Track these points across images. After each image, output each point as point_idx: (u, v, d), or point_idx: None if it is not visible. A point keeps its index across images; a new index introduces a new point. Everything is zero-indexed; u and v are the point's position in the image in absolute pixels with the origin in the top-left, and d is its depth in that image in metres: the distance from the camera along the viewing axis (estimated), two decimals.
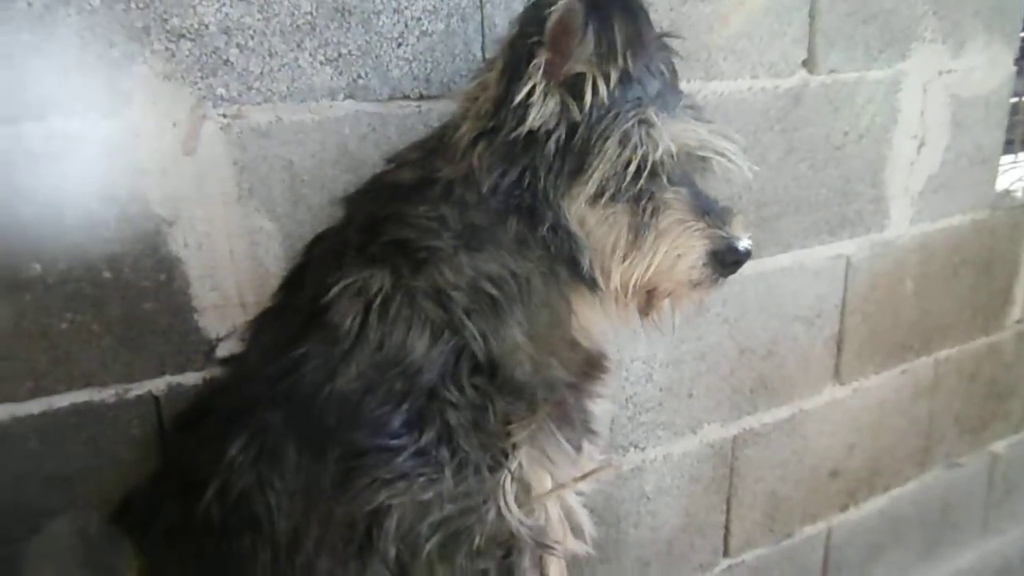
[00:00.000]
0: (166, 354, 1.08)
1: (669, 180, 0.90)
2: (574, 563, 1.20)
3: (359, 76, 1.09)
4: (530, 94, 0.85)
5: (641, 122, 0.88)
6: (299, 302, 0.95)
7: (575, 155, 0.88)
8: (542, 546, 0.99)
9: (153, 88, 0.98)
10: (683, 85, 1.36)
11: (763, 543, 1.90)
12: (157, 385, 1.09)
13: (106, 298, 1.02)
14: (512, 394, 0.93)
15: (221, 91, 1.02)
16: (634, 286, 0.92)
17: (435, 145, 0.97)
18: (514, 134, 0.87)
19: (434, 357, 0.90)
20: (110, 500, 1.05)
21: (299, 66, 1.05)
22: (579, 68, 0.87)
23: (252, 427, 0.91)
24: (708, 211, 0.91)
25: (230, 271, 1.08)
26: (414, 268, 0.91)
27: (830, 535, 2.04)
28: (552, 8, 0.83)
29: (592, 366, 1.03)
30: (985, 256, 2.07)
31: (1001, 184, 2.05)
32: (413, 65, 1.12)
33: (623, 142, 0.87)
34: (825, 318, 1.79)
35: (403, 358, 0.89)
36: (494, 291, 0.91)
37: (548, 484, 1.00)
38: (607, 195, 0.89)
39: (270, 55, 1.03)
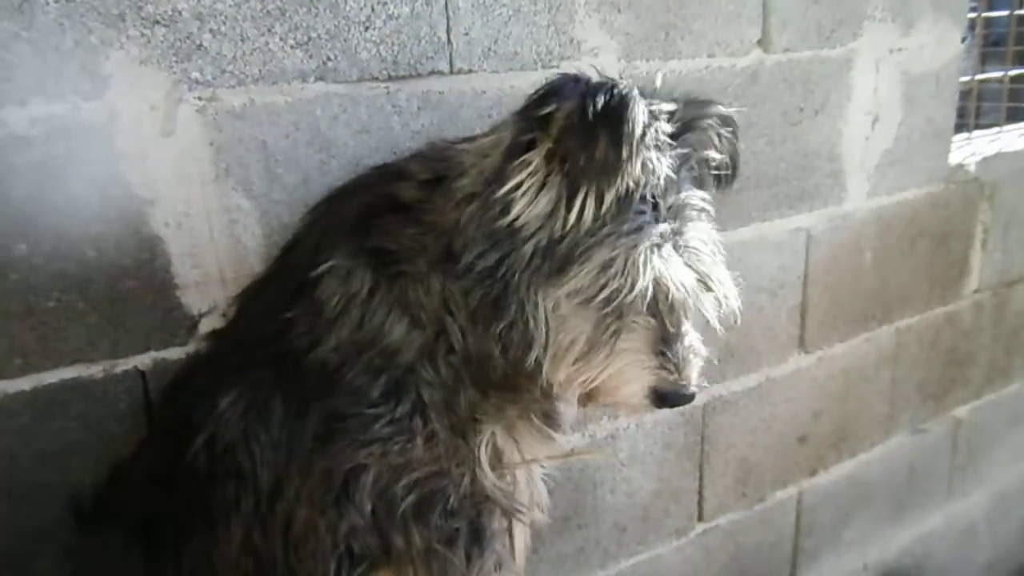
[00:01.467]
0: (151, 330, 1.12)
1: (643, 305, 0.89)
2: (536, 532, 1.27)
3: (328, 59, 1.14)
4: (518, 185, 0.84)
5: (627, 255, 0.85)
6: (291, 270, 1.01)
7: (558, 259, 0.86)
8: (512, 510, 1.04)
9: (130, 72, 1.02)
10: (641, 65, 1.45)
11: (736, 508, 1.97)
12: (143, 360, 1.13)
13: (91, 277, 1.06)
14: (481, 390, 0.98)
15: (196, 75, 1.06)
16: (575, 386, 0.95)
17: (441, 172, 0.97)
18: (498, 222, 0.86)
19: (413, 339, 0.95)
20: (101, 472, 1.09)
21: (270, 50, 1.10)
22: (578, 173, 0.84)
23: (243, 383, 0.97)
24: (668, 349, 0.90)
25: (210, 249, 1.13)
26: (391, 277, 0.96)
27: (801, 499, 2.12)
28: (558, 103, 0.80)
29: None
30: (941, 228, 2.16)
31: (954, 159, 2.13)
32: (380, 48, 1.17)
33: (604, 268, 0.85)
34: (788, 289, 1.87)
35: (380, 340, 0.94)
36: (464, 318, 0.95)
37: (517, 457, 1.05)
38: (581, 297, 0.88)
39: (242, 39, 1.08)
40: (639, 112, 0.81)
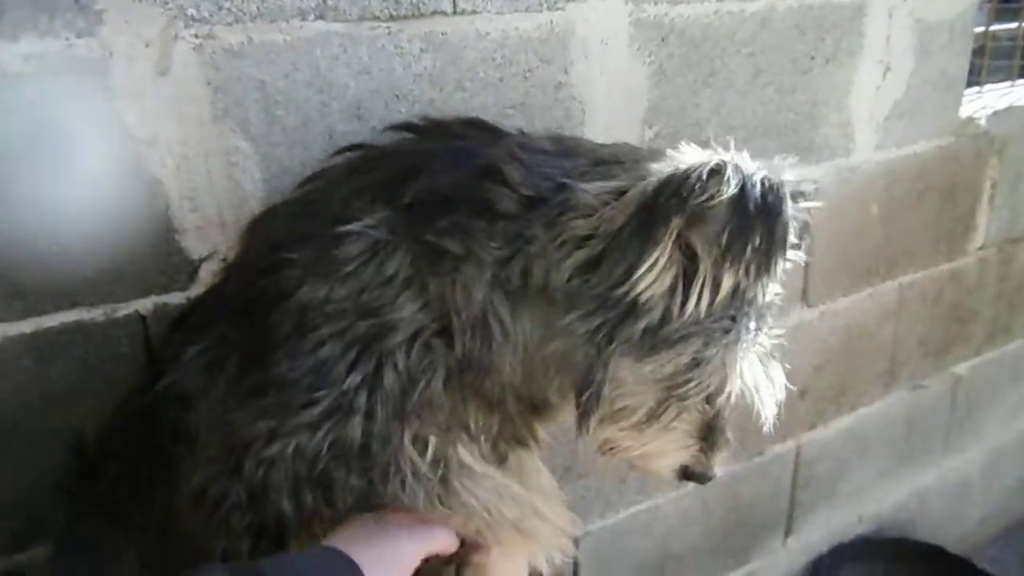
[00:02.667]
0: (151, 275, 1.11)
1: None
2: None
3: None
4: (652, 263, 0.79)
5: (723, 358, 0.83)
6: (311, 213, 0.94)
7: (654, 339, 0.82)
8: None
9: (124, 8, 0.99)
10: (649, 8, 1.41)
11: (735, 460, 1.99)
12: (144, 305, 1.12)
13: (88, 219, 1.04)
14: (458, 394, 0.91)
15: (192, 11, 1.03)
16: (612, 450, 0.94)
17: (544, 194, 0.87)
18: (617, 291, 0.81)
19: (414, 321, 0.87)
20: (104, 416, 1.09)
21: None
22: (699, 250, 0.79)
23: (211, 335, 0.93)
24: (711, 435, 0.92)
25: (209, 192, 1.11)
26: (435, 273, 0.88)
27: (799, 452, 2.14)
28: (717, 188, 0.75)
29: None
30: (949, 183, 2.14)
31: (965, 112, 2.10)
32: None
33: (697, 363, 0.83)
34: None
35: (383, 313, 0.87)
36: (498, 335, 0.88)
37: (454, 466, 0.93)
38: (658, 376, 0.85)
39: None
40: (790, 211, 0.78)
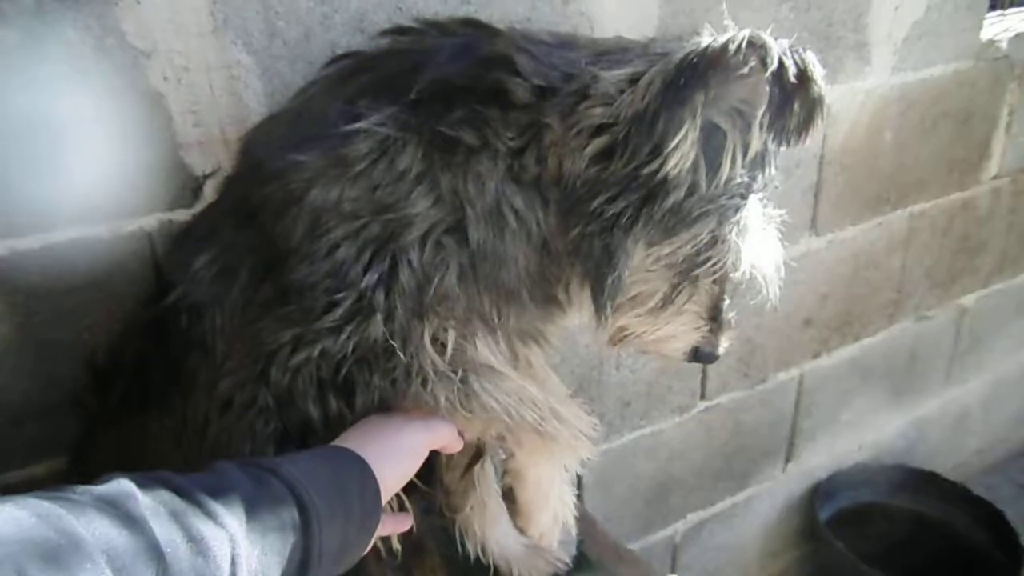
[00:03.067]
0: (155, 192, 1.10)
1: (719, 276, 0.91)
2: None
3: None
4: (682, 136, 0.79)
5: (737, 234, 0.85)
6: (317, 115, 0.91)
7: (675, 218, 0.84)
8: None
9: None
10: None
11: (738, 387, 2.01)
12: (149, 222, 1.11)
13: (91, 130, 1.03)
14: (473, 287, 0.90)
15: None
16: (626, 336, 0.96)
17: (555, 83, 0.86)
18: (646, 169, 0.81)
19: (428, 216, 0.86)
20: (114, 332, 1.10)
21: None
22: (720, 122, 0.81)
23: (219, 245, 0.92)
24: (718, 315, 0.94)
25: (211, 106, 1.09)
26: (448, 165, 0.86)
27: (802, 381, 2.16)
28: (756, 59, 0.76)
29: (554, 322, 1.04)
30: (965, 109, 2.09)
31: (986, 34, 2.03)
32: None
33: (712, 244, 0.85)
34: (803, 168, 1.83)
35: (398, 208, 0.86)
36: (514, 223, 0.88)
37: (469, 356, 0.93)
38: (675, 259, 0.87)
39: None
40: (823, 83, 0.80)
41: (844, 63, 1.74)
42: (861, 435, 2.45)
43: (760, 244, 0.90)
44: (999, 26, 2.13)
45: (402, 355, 0.85)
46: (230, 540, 0.59)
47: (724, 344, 0.97)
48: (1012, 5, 2.29)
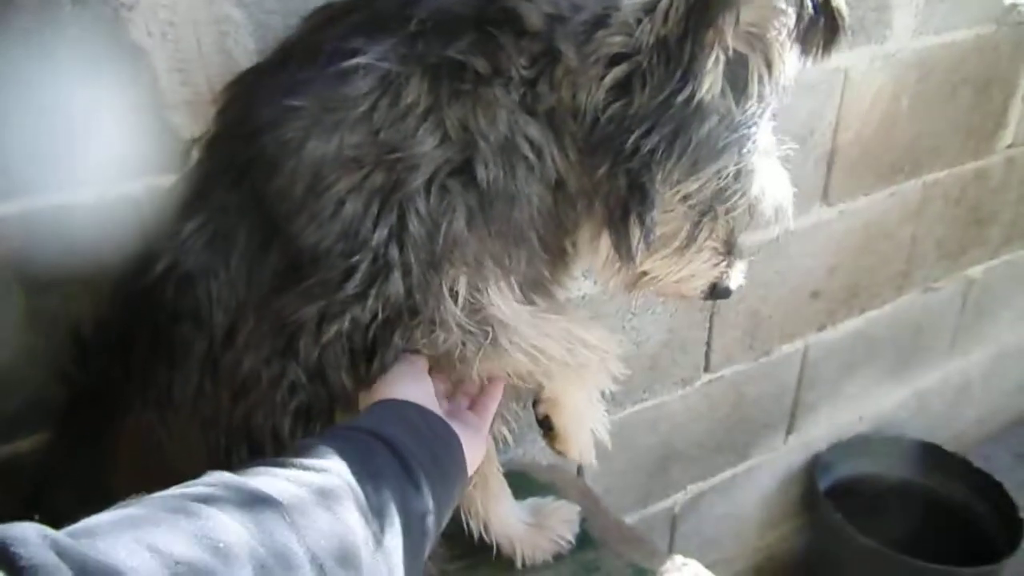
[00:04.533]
0: (141, 155, 1.04)
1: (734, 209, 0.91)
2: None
3: None
4: (715, 61, 0.78)
5: (756, 167, 0.85)
6: (306, 58, 0.85)
7: (703, 149, 0.82)
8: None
9: None
10: None
11: (742, 359, 1.98)
12: (136, 187, 1.06)
13: (70, 89, 0.96)
14: (483, 229, 0.86)
15: None
16: (647, 280, 0.94)
17: (565, 12, 0.82)
18: (680, 96, 0.78)
19: (435, 157, 0.81)
20: (101, 302, 1.05)
21: None
22: (738, 46, 0.79)
23: (209, 209, 0.86)
24: (732, 248, 0.94)
25: (199, 64, 1.02)
26: (455, 94, 0.81)
27: (806, 353, 2.13)
28: None
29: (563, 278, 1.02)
30: (985, 75, 2.02)
31: None
32: None
33: (738, 175, 0.85)
34: (818, 136, 1.76)
35: (404, 148, 0.80)
36: (529, 154, 0.84)
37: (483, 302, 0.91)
38: (698, 197, 0.86)
39: None
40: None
41: (864, 24, 1.66)
42: (863, 407, 2.44)
43: (775, 171, 0.90)
44: None
45: (424, 309, 0.83)
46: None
47: (736, 278, 0.97)
48: None
